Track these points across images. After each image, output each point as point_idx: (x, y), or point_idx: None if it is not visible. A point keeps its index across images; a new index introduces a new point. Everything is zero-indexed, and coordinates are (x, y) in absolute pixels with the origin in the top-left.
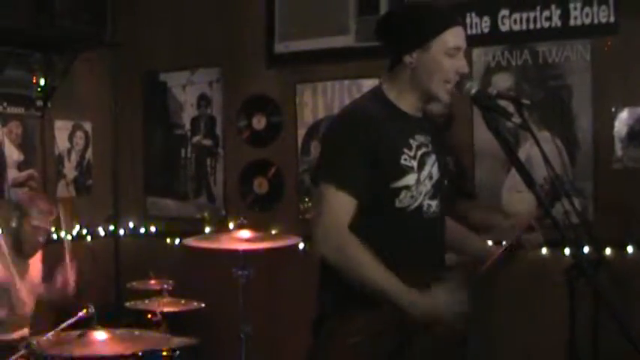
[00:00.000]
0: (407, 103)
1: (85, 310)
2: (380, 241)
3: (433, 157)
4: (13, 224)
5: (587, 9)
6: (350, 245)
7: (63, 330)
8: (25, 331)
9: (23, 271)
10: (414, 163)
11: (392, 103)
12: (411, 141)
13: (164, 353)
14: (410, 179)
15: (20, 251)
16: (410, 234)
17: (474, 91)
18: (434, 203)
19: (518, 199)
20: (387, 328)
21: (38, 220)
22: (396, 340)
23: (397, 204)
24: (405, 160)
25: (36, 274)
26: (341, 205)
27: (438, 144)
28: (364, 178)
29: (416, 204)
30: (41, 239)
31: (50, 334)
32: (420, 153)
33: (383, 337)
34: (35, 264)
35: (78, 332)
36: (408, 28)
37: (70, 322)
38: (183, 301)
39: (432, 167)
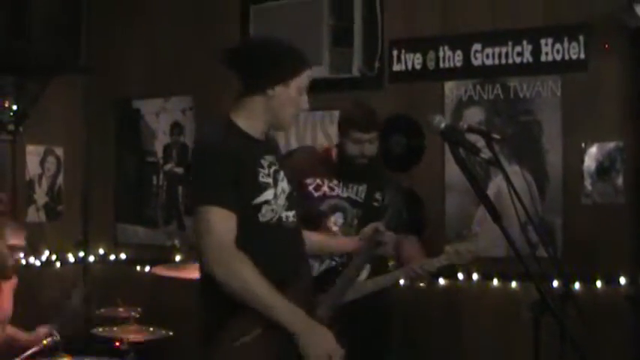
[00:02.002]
0: (254, 128)
1: (49, 338)
2: (250, 254)
3: (282, 173)
4: None
5: (557, 45)
6: (240, 264)
7: (28, 357)
8: None
9: None
10: (270, 180)
11: (241, 129)
12: (262, 161)
13: None
14: (269, 194)
15: None
16: (276, 244)
17: (442, 125)
18: (291, 214)
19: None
20: (271, 326)
21: (13, 238)
22: (282, 336)
23: (260, 219)
24: (263, 177)
25: (7, 302)
26: (225, 221)
27: (282, 162)
28: (234, 197)
29: (277, 216)
30: (18, 257)
31: None
32: (271, 170)
33: (268, 334)
34: (7, 291)
35: None
36: (274, 62)
37: (35, 349)
38: (151, 329)
39: (282, 182)
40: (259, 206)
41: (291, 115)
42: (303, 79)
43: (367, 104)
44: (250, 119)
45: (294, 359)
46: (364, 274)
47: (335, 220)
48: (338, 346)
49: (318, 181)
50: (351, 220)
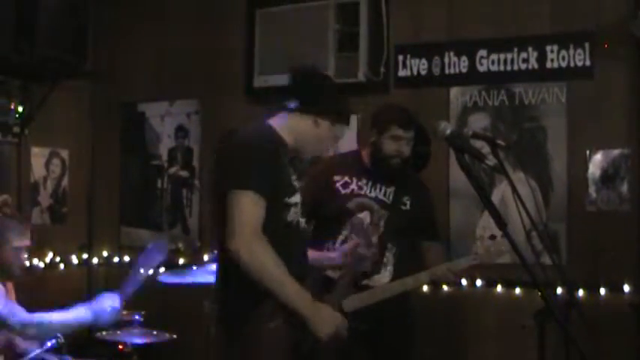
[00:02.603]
0: (289, 140)
1: (54, 340)
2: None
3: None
4: None
5: (563, 52)
6: (263, 246)
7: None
8: None
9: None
10: (297, 185)
11: (281, 136)
12: (291, 169)
13: None
14: (297, 197)
15: (4, 276)
16: (295, 243)
17: (448, 132)
18: (303, 220)
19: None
20: (289, 318)
21: (18, 240)
22: (298, 326)
23: (287, 218)
24: (294, 180)
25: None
26: (257, 207)
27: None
28: (268, 188)
29: (296, 219)
30: (25, 257)
31: None
32: (295, 178)
33: (287, 325)
34: (9, 287)
35: None
36: (337, 102)
37: (39, 351)
38: (154, 333)
39: (299, 192)
40: (289, 206)
41: (316, 150)
42: (343, 130)
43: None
44: (288, 132)
45: (310, 345)
46: (387, 277)
47: (362, 219)
48: (343, 320)
49: (347, 178)
50: (378, 220)
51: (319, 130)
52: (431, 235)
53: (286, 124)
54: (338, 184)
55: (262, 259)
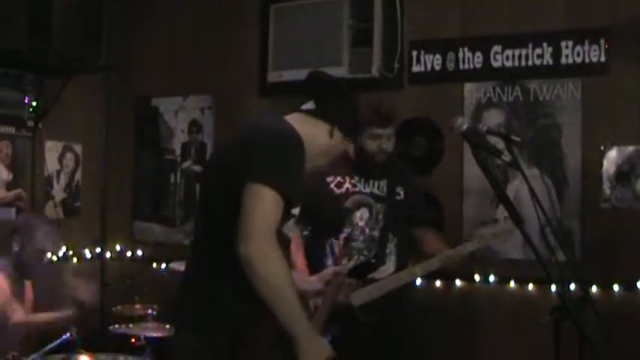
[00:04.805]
0: None
1: (68, 334)
2: None
3: None
4: (15, 248)
5: (578, 48)
6: (281, 264)
7: (46, 353)
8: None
9: (21, 294)
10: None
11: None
12: None
13: None
14: (297, 210)
15: (22, 274)
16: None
17: (464, 127)
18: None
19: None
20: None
21: (42, 242)
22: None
23: (282, 229)
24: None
25: (30, 293)
26: (278, 212)
27: None
28: (294, 195)
29: (288, 232)
30: (45, 260)
31: (33, 357)
32: None
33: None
34: (28, 285)
35: (61, 356)
36: (356, 120)
37: (53, 345)
38: (167, 327)
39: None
40: (289, 217)
41: (320, 160)
42: (347, 146)
43: (383, 101)
44: (305, 135)
45: None
46: (391, 267)
47: (361, 215)
48: (332, 353)
49: (339, 178)
50: (376, 214)
51: (332, 140)
52: (425, 220)
53: (300, 127)
54: (332, 185)
55: (276, 274)
